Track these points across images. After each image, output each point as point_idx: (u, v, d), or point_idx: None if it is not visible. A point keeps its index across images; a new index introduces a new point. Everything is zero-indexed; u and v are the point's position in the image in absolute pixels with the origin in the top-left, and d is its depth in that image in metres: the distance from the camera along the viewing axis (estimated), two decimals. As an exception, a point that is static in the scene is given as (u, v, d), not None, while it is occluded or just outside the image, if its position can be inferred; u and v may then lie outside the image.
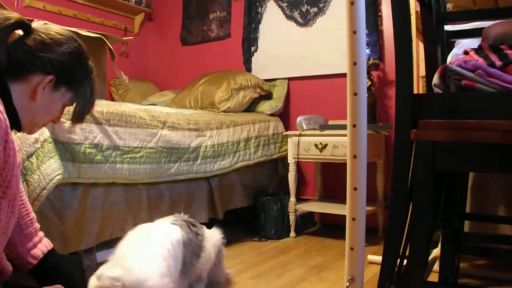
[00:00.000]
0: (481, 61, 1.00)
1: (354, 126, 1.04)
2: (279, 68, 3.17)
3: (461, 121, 0.93)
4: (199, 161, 2.25)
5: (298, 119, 2.64)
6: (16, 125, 1.04)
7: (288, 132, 2.67)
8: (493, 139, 0.89)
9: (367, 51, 2.74)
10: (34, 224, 1.26)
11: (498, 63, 0.97)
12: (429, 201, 0.98)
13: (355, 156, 1.04)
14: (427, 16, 1.36)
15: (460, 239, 1.53)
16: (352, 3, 1.01)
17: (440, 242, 1.49)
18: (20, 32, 1.04)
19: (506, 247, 1.63)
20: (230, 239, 2.43)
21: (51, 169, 1.52)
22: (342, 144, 2.39)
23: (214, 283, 1.73)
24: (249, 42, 3.32)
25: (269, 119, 2.90)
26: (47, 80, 1.03)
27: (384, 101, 2.74)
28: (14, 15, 1.00)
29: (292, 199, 2.62)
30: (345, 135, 2.29)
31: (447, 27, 1.48)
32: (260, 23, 3.28)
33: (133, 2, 3.66)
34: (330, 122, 2.72)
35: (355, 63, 1.02)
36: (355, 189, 1.04)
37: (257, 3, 3.29)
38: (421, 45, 2.08)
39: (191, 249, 1.53)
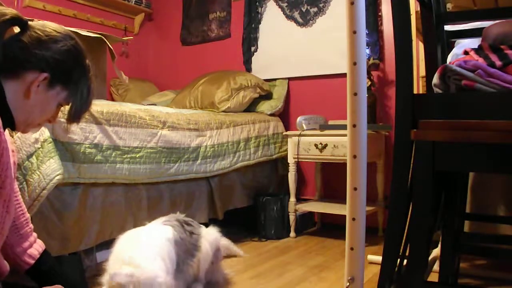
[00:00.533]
0: (481, 61, 1.00)
1: (354, 126, 1.04)
2: (279, 68, 3.17)
3: (461, 121, 0.93)
4: (199, 161, 2.25)
5: (298, 119, 2.64)
6: (10, 123, 1.02)
7: (288, 132, 2.67)
8: (493, 139, 0.89)
9: (367, 51, 2.74)
10: (30, 224, 1.25)
11: (498, 63, 0.97)
12: (429, 201, 0.98)
13: (355, 156, 1.04)
14: (427, 16, 1.36)
15: (460, 239, 1.53)
16: (352, 3, 1.01)
17: (440, 242, 1.49)
18: (16, 29, 1.02)
19: (506, 247, 1.63)
20: (230, 239, 2.43)
21: (51, 169, 1.52)
22: (342, 144, 2.39)
23: (212, 283, 1.73)
24: (249, 42, 3.32)
25: (269, 119, 2.90)
26: (42, 78, 1.01)
27: (384, 101, 2.74)
28: (10, 11, 0.99)
29: (292, 199, 2.62)
30: (345, 135, 2.28)
31: (447, 27, 1.48)
32: (260, 23, 3.28)
33: (133, 2, 3.66)
34: (330, 122, 2.72)
35: (355, 63, 1.02)
36: (355, 189, 1.04)
37: (257, 3, 3.29)
38: (421, 45, 2.08)
39: (185, 248, 1.53)
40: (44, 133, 1.56)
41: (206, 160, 2.30)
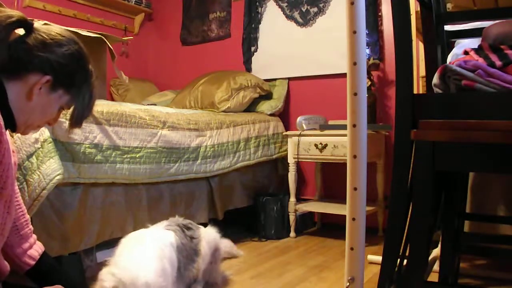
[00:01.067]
0: (481, 61, 1.00)
1: (354, 126, 1.04)
2: (279, 68, 3.17)
3: (461, 121, 0.93)
4: (199, 161, 2.25)
5: (298, 119, 2.64)
6: (11, 125, 1.02)
7: (288, 132, 2.67)
8: (493, 139, 0.89)
9: (367, 51, 2.74)
10: (29, 225, 1.25)
11: (498, 63, 0.97)
12: (429, 201, 0.98)
13: (355, 156, 1.04)
14: (427, 16, 1.36)
15: (460, 239, 1.53)
16: (352, 3, 1.01)
17: (440, 242, 1.49)
18: (21, 31, 1.03)
19: (506, 247, 1.63)
20: (230, 239, 2.43)
21: (51, 169, 1.52)
22: (342, 144, 2.39)
23: (211, 283, 1.72)
24: (249, 42, 3.32)
25: (269, 119, 2.90)
26: (44, 81, 1.01)
27: (384, 101, 2.74)
28: (16, 14, 0.99)
29: (292, 199, 2.62)
30: (345, 135, 2.28)
31: (447, 27, 1.47)
32: (260, 23, 3.28)
33: (133, 2, 3.66)
34: (330, 122, 2.72)
35: (355, 63, 1.02)
36: (355, 189, 1.04)
37: (257, 3, 3.29)
38: (421, 45, 2.08)
39: (186, 254, 1.53)
40: (44, 133, 1.56)
41: (206, 160, 2.30)
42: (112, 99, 3.37)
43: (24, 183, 1.50)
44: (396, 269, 1.07)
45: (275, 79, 3.17)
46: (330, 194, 2.93)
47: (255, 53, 3.30)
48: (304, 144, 2.54)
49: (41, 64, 1.01)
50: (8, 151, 0.95)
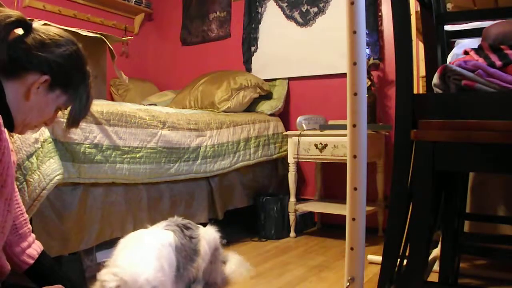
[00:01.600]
0: (481, 61, 1.00)
1: (354, 126, 1.04)
2: (279, 68, 3.17)
3: (461, 121, 0.93)
4: (199, 161, 2.25)
5: (298, 119, 2.64)
6: (9, 124, 1.03)
7: (288, 132, 2.67)
8: (493, 139, 0.89)
9: (367, 51, 2.74)
10: (28, 224, 1.25)
11: (498, 63, 0.97)
12: (429, 201, 0.98)
13: (355, 156, 1.04)
14: (427, 16, 1.36)
15: (460, 239, 1.53)
16: (352, 3, 1.01)
17: (440, 242, 1.49)
18: (20, 31, 1.03)
19: (506, 247, 1.63)
20: (230, 239, 2.43)
21: (51, 169, 1.52)
22: (342, 144, 2.39)
23: (211, 283, 1.72)
24: (249, 42, 3.32)
25: (269, 119, 2.90)
26: (42, 80, 1.02)
27: (384, 101, 2.74)
28: (15, 14, 1.00)
29: (292, 199, 2.62)
30: (345, 135, 2.28)
31: (447, 27, 1.48)
32: (260, 23, 3.28)
33: (133, 2, 3.66)
34: (330, 122, 2.72)
35: (355, 63, 1.02)
36: (355, 189, 1.04)
37: (257, 3, 3.29)
38: (421, 45, 2.08)
39: (185, 254, 1.54)
40: (44, 133, 1.56)
41: (206, 160, 2.30)
42: (112, 99, 3.37)
43: (24, 183, 1.50)
44: (396, 269, 1.07)
45: (275, 79, 3.17)
46: (330, 194, 2.93)
47: (255, 53, 3.30)
48: (304, 144, 2.54)
49: (40, 64, 1.02)
50: (8, 149, 0.95)
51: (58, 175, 1.53)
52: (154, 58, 3.93)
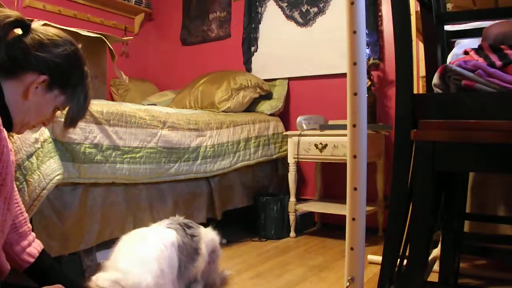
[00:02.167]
0: (481, 61, 1.00)
1: (354, 126, 1.04)
2: (279, 68, 3.17)
3: (461, 121, 0.93)
4: (199, 161, 2.25)
5: (298, 119, 2.64)
6: (7, 123, 1.03)
7: (288, 132, 2.67)
8: (493, 139, 0.89)
9: (367, 51, 2.74)
10: (28, 223, 1.25)
11: (498, 63, 0.97)
12: (429, 201, 0.98)
13: (355, 156, 1.04)
14: (427, 16, 1.36)
15: (460, 239, 1.53)
16: (352, 3, 1.01)
17: (440, 242, 1.49)
18: (19, 31, 1.04)
19: (506, 247, 1.63)
20: (230, 239, 2.43)
21: (51, 169, 1.52)
22: (342, 144, 2.39)
23: (210, 284, 1.72)
24: (249, 42, 3.32)
25: (269, 119, 2.90)
26: (41, 80, 1.03)
27: (384, 101, 2.74)
28: (14, 14, 1.01)
29: (292, 199, 2.62)
30: (345, 135, 2.28)
31: (447, 27, 1.48)
32: (260, 23, 3.28)
33: (133, 2, 3.66)
34: (330, 122, 2.72)
35: (355, 63, 1.02)
36: (355, 189, 1.04)
37: (257, 3, 3.29)
38: (421, 45, 2.08)
39: (186, 252, 1.53)
40: (44, 133, 1.56)
41: (206, 160, 2.30)
42: (112, 99, 3.37)
43: (24, 183, 1.50)
44: (396, 269, 1.07)
45: (275, 79, 3.17)
46: (330, 194, 2.93)
47: (255, 53, 3.30)
48: (304, 144, 2.54)
49: (38, 64, 1.03)
50: (7, 148, 0.96)
51: (58, 175, 1.53)
52: (154, 58, 3.93)
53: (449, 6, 1.75)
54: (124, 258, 1.32)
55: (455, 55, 1.49)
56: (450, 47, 1.60)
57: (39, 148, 1.54)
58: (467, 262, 1.91)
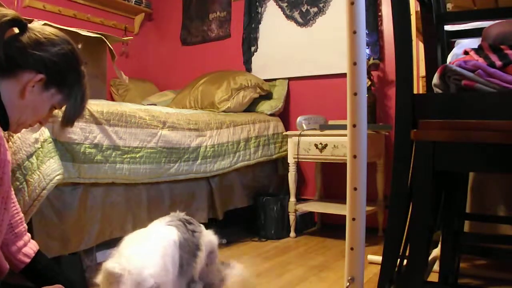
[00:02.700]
0: (481, 61, 1.00)
1: (354, 126, 1.04)
2: (279, 68, 3.17)
3: (461, 121, 0.93)
4: (199, 161, 2.25)
5: (298, 119, 2.64)
6: (4, 122, 1.04)
7: (288, 132, 2.67)
8: (493, 139, 0.89)
9: (367, 51, 2.74)
10: (24, 223, 1.25)
11: (498, 63, 0.97)
12: (429, 201, 0.98)
13: (355, 156, 1.04)
14: (427, 16, 1.36)
15: (460, 239, 1.53)
16: (352, 3, 1.01)
17: (440, 242, 1.49)
18: (16, 29, 1.04)
19: (506, 247, 1.63)
20: (230, 239, 2.43)
21: (51, 169, 1.52)
22: (342, 144, 2.39)
23: (209, 285, 1.72)
24: (249, 42, 3.32)
25: (269, 119, 2.90)
26: (37, 79, 1.03)
27: (384, 101, 2.74)
28: (10, 13, 1.01)
29: (292, 199, 2.62)
30: (345, 135, 2.28)
31: (447, 27, 1.48)
32: (260, 23, 3.28)
33: (133, 2, 3.66)
34: (330, 122, 2.72)
35: (355, 63, 1.02)
36: (355, 189, 1.04)
37: (257, 3, 3.29)
38: (421, 45, 2.08)
39: (188, 249, 1.53)
40: (44, 133, 1.56)
41: (206, 160, 2.30)
42: (112, 99, 3.37)
43: (24, 183, 1.50)
44: (396, 269, 1.07)
45: (275, 79, 3.17)
46: (330, 194, 2.93)
47: (255, 53, 3.30)
48: (304, 144, 2.54)
49: (35, 63, 1.03)
50: (4, 147, 0.96)
51: (58, 175, 1.53)
52: (154, 58, 3.93)
53: (449, 6, 1.75)
54: (130, 250, 1.32)
55: (455, 55, 1.49)
56: (450, 47, 1.60)
57: (39, 148, 1.54)
58: (467, 262, 1.91)
